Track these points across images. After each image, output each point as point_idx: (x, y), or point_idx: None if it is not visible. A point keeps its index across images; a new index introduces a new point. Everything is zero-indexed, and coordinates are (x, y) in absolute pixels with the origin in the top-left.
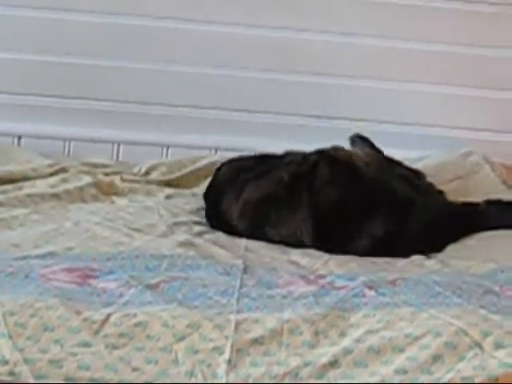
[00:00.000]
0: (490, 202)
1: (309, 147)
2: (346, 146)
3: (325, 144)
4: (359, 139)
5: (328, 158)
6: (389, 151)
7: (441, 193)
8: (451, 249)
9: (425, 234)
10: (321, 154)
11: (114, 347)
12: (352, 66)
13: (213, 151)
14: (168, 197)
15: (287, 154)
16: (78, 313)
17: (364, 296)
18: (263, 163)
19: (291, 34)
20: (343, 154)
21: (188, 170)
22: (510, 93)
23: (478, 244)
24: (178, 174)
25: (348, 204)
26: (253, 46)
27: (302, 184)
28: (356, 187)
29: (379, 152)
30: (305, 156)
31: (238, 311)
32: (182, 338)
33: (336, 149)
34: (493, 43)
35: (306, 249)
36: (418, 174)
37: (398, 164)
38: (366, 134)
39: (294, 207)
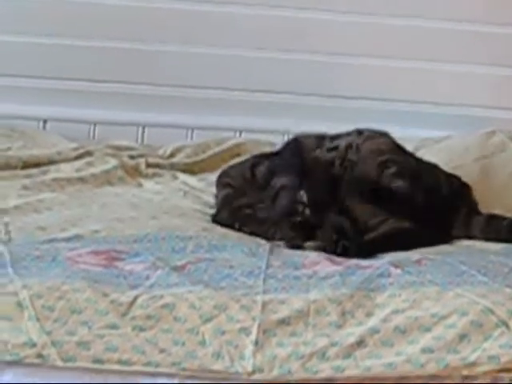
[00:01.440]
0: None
1: (332, 127)
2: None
3: (344, 124)
4: None
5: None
6: (411, 131)
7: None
8: None
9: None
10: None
11: (142, 329)
12: (370, 45)
13: (237, 133)
14: (193, 179)
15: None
16: (105, 295)
17: (390, 275)
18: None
19: (309, 14)
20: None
21: (213, 151)
22: None
23: None
24: (202, 156)
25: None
26: (270, 26)
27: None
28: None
29: None
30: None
31: (265, 292)
32: (208, 320)
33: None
34: None
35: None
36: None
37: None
38: (384, 113)
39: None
